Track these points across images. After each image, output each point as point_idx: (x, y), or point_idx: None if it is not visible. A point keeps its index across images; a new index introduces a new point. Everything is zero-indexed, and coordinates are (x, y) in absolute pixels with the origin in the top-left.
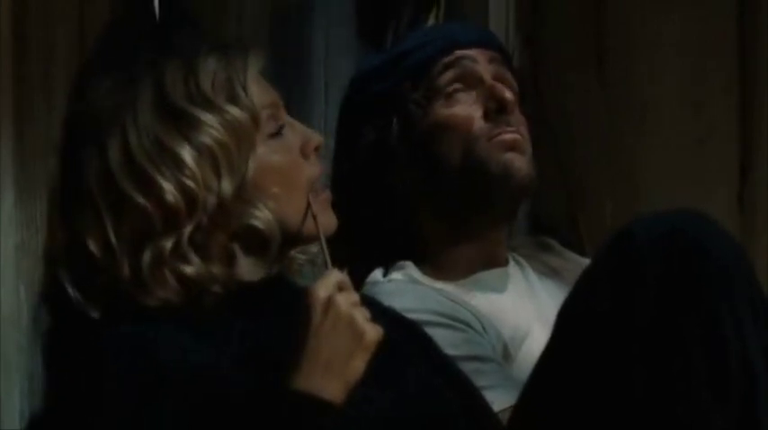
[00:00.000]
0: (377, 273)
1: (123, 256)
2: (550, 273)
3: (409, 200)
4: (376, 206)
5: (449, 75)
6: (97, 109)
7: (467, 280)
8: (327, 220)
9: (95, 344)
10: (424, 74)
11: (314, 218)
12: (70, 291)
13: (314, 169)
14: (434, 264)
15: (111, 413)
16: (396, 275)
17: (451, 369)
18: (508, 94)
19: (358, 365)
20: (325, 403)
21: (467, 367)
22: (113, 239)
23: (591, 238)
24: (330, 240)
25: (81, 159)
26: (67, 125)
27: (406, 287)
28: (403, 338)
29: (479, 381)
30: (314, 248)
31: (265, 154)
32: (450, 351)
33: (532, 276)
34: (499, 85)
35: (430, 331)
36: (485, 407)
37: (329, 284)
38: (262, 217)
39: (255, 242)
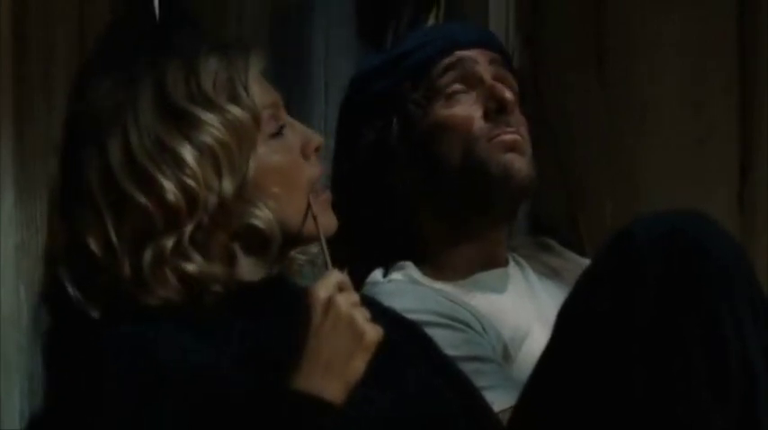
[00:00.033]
0: (377, 274)
1: (124, 256)
2: (550, 273)
3: (409, 200)
4: (376, 206)
5: (449, 75)
6: (97, 109)
7: (467, 280)
8: (328, 221)
9: (95, 344)
10: (424, 74)
11: (314, 218)
12: (70, 290)
13: (314, 169)
14: (434, 265)
15: (111, 413)
16: (396, 276)
17: (451, 369)
18: (508, 95)
19: (358, 365)
20: (325, 403)
21: (467, 367)
22: (114, 239)
23: (591, 238)
24: (330, 240)
25: (81, 159)
26: (68, 125)
27: (405, 287)
28: (403, 339)
29: (479, 382)
30: (314, 249)
31: (266, 154)
32: (450, 351)
33: (532, 276)
34: (499, 86)
35: (430, 331)
36: (485, 407)
37: (329, 285)
38: (262, 216)
39: (256, 242)
